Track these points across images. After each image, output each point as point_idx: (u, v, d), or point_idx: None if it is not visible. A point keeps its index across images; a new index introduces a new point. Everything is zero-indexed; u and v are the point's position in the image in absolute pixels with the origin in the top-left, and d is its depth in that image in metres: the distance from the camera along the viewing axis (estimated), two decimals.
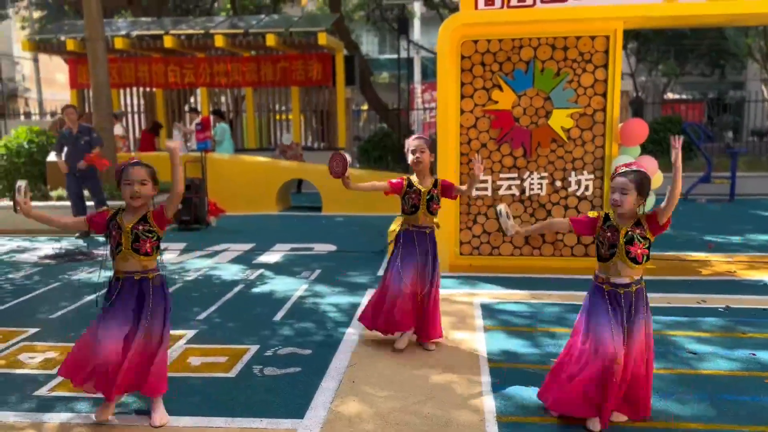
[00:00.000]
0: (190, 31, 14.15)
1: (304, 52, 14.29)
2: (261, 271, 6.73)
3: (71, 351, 3.35)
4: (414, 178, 4.37)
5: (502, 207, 3.43)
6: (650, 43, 23.64)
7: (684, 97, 30.58)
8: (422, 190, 4.29)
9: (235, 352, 4.33)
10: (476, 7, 6.53)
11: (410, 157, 4.31)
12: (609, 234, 3.20)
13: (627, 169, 3.19)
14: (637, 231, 3.16)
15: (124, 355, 3.25)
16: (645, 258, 3.16)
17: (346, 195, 10.60)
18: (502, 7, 6.48)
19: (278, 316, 5.15)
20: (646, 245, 3.15)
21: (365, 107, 22.05)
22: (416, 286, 4.32)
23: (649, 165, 6.28)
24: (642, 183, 3.14)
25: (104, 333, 3.25)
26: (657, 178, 6.32)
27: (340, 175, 4.20)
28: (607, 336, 3.14)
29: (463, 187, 4.47)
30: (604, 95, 6.44)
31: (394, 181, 4.39)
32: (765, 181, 12.67)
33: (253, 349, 4.40)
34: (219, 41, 13.53)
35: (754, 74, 25.82)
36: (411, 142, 4.34)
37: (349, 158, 4.25)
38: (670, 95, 29.66)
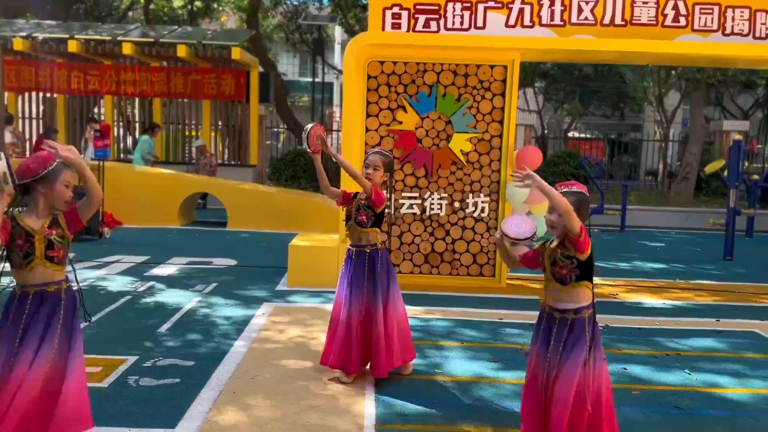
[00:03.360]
0: (98, 37, 13.63)
1: (218, 66, 14.06)
2: (152, 283, 6.46)
3: None
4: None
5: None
6: (557, 83, 24.95)
7: (586, 136, 32.37)
8: (358, 201, 4.05)
9: (111, 363, 4.11)
10: (383, 29, 6.67)
11: (364, 171, 4.04)
12: (541, 258, 3.09)
13: (566, 189, 3.02)
14: (559, 251, 3.00)
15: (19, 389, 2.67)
16: (572, 278, 2.96)
17: (252, 211, 10.48)
18: (408, 30, 6.66)
19: (164, 328, 4.95)
20: (574, 265, 2.95)
21: (284, 127, 21.90)
22: (354, 315, 3.95)
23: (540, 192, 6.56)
24: (579, 203, 2.97)
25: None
26: (544, 206, 6.61)
27: (319, 149, 3.88)
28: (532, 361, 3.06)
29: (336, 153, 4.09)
30: (501, 122, 6.71)
31: (348, 191, 4.13)
32: (652, 215, 13.55)
33: (131, 359, 4.20)
34: (127, 49, 13.09)
35: (649, 117, 27.76)
36: (369, 156, 4.08)
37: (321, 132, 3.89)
38: (574, 134, 31.33)
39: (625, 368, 4.42)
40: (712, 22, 6.61)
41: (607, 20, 6.63)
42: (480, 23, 6.68)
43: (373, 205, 4.02)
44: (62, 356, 2.80)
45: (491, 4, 6.68)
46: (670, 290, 7.01)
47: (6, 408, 2.67)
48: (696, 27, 6.62)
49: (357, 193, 4.08)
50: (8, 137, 11.21)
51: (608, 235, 11.76)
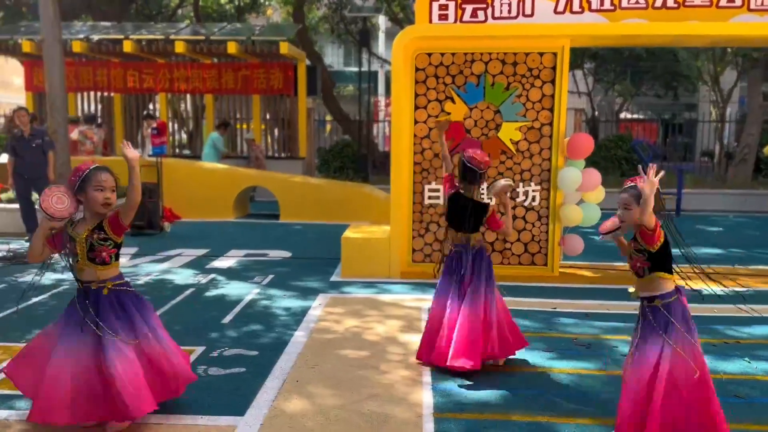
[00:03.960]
0: (151, 37, 14.05)
1: (266, 61, 14.32)
2: (213, 275, 6.73)
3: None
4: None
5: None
6: (607, 64, 24.35)
7: (639, 116, 31.52)
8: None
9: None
10: (430, 21, 6.71)
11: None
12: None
13: (626, 185, 3.14)
14: (632, 245, 3.15)
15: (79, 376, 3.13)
16: (645, 270, 3.10)
17: (304, 203, 10.71)
18: (455, 21, 6.69)
19: (227, 319, 5.18)
20: (645, 257, 3.08)
21: (330, 118, 22.14)
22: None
23: (593, 178, 6.52)
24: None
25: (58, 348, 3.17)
26: (599, 192, 6.57)
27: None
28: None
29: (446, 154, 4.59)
30: (551, 110, 6.68)
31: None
32: (709, 198, 13.19)
33: (199, 350, 4.42)
34: (179, 47, 13.47)
35: (704, 96, 26.83)
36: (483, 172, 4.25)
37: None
38: (626, 115, 30.54)
39: None
40: None
41: (659, 3, 6.50)
42: (528, 11, 6.65)
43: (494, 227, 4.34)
44: (104, 345, 3.14)
45: None
46: (728, 276, 6.86)
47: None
48: (752, 6, 6.42)
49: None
50: (75, 134, 11.71)
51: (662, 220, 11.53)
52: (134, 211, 3.18)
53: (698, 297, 6.15)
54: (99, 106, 15.64)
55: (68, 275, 6.56)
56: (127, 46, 13.53)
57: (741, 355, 4.44)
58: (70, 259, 3.20)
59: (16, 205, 8.70)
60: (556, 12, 6.63)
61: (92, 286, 3.20)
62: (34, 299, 5.69)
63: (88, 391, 3.11)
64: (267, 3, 24.03)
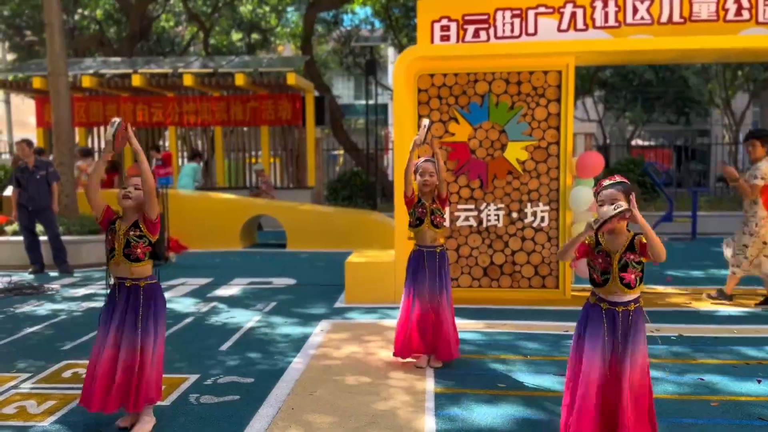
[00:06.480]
0: (160, 71, 14.19)
1: (274, 92, 14.39)
2: (214, 304, 6.56)
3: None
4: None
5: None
6: (617, 92, 24.29)
7: (651, 143, 31.30)
8: (427, 204, 4.45)
9: (173, 381, 4.15)
10: (432, 42, 6.65)
11: (418, 179, 4.42)
12: (600, 260, 2.96)
13: (612, 181, 2.97)
14: (631, 257, 2.90)
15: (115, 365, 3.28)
16: (639, 281, 2.92)
17: (311, 231, 10.58)
18: (457, 42, 6.61)
19: (225, 347, 5.00)
20: (640, 269, 2.92)
21: (341, 152, 22.17)
22: (426, 306, 4.38)
23: None
24: (632, 193, 2.92)
25: (98, 341, 3.33)
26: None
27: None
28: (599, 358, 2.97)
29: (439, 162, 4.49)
30: (558, 128, 6.53)
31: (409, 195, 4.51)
32: (725, 221, 12.86)
33: (193, 378, 4.24)
34: (188, 80, 13.56)
35: (717, 121, 26.63)
36: (421, 165, 4.42)
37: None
38: (638, 141, 30.32)
39: (702, 378, 4.15)
40: None
41: (664, 18, 6.40)
42: (531, 30, 6.57)
43: (443, 206, 4.50)
44: (138, 337, 3.30)
45: (542, 9, 6.56)
46: (748, 297, 6.59)
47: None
48: (761, 20, 6.30)
49: (420, 198, 4.47)
50: (75, 171, 11.72)
51: (678, 244, 11.24)
52: (152, 199, 3.27)
53: (716, 317, 5.85)
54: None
55: (65, 305, 6.45)
56: (136, 80, 13.66)
57: (764, 376, 4.18)
58: (109, 253, 3.33)
59: (21, 237, 8.64)
60: (559, 30, 6.54)
61: (126, 284, 3.32)
62: (29, 329, 5.55)
63: (106, 381, 3.26)
64: (277, 41, 24.34)
